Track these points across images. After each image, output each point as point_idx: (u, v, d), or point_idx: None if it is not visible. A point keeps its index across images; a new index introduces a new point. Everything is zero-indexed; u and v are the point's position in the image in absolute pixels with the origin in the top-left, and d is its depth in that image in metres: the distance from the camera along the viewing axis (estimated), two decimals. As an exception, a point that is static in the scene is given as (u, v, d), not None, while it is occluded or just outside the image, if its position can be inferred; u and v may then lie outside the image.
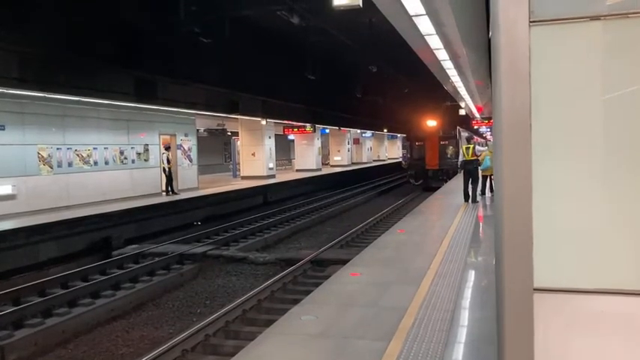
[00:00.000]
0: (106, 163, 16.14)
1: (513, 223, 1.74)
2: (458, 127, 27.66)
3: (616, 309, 1.71)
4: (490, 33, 1.87)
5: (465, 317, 5.42)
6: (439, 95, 26.35)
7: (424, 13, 5.97)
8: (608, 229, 1.71)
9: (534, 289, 1.74)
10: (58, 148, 14.45)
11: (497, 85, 1.77)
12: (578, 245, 1.73)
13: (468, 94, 16.28)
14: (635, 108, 1.66)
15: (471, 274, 7.15)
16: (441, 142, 26.83)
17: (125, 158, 16.92)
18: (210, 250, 12.56)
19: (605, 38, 1.69)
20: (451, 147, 26.50)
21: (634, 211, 1.68)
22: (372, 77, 24.77)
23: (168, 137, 19.25)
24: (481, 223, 11.50)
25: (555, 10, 1.71)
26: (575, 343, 1.74)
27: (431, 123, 27.09)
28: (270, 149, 25.84)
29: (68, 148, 14.78)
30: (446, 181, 25.08)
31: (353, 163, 39.08)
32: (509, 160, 1.75)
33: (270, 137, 25.72)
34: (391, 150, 56.82)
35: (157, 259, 11.61)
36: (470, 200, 14.54)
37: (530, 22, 1.71)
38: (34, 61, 11.72)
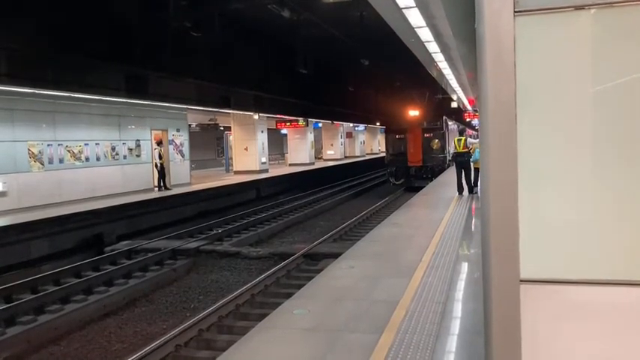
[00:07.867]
0: (98, 159, 16.04)
1: (499, 214, 1.74)
2: (444, 118, 24.23)
3: (602, 299, 1.71)
4: (475, 23, 1.86)
5: (457, 309, 5.44)
6: (432, 88, 26.20)
7: (414, 5, 5.95)
8: (595, 220, 1.70)
9: (521, 281, 1.73)
10: (48, 145, 14.35)
11: (483, 75, 1.76)
12: (565, 236, 1.73)
13: (460, 87, 16.28)
14: (619, 98, 1.65)
15: (463, 267, 7.17)
16: (425, 135, 23.22)
17: (117, 154, 16.82)
18: (203, 245, 12.54)
19: (590, 28, 1.68)
20: (437, 140, 23.20)
21: (620, 201, 1.68)
22: (364, 71, 24.72)
23: (160, 132, 19.17)
24: (473, 216, 11.53)
25: (540, 0, 1.70)
26: (562, 333, 1.74)
27: (413, 113, 23.66)
28: (263, 144, 25.79)
29: (59, 145, 14.68)
30: (431, 180, 21.96)
31: (346, 157, 39.07)
32: (494, 151, 1.74)
33: (262, 132, 25.67)
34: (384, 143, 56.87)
35: (149, 254, 11.56)
36: (464, 192, 14.57)
37: (515, 11, 1.70)
38: (23, 57, 11.61)
